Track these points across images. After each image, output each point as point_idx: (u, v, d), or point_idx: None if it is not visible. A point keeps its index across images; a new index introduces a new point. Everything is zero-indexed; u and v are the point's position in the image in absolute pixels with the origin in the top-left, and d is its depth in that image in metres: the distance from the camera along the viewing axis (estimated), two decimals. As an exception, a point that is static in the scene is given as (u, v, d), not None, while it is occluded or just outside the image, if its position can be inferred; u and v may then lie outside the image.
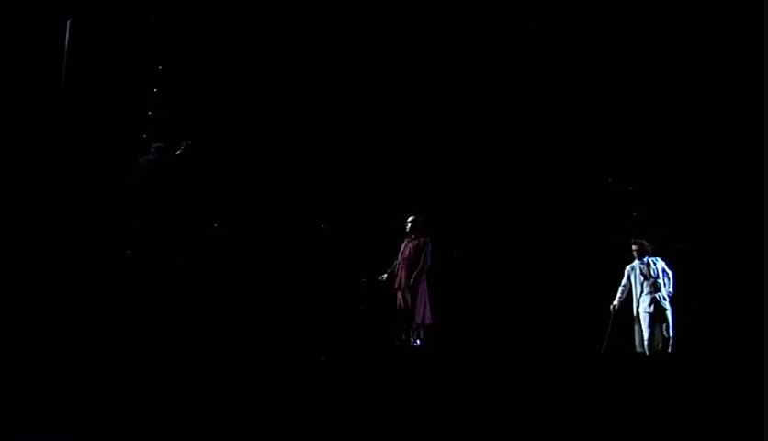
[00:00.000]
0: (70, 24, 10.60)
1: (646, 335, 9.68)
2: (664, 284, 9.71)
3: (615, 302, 9.89)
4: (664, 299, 9.66)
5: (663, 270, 9.75)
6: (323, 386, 7.88)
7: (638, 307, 9.76)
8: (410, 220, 10.44)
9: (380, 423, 7.24)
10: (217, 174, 11.42)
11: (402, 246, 10.44)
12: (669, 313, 9.64)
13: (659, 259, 9.83)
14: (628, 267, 9.89)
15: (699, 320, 10.46)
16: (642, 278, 9.72)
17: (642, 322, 9.71)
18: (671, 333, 9.59)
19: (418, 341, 10.30)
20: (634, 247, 9.86)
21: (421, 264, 10.29)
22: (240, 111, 11.85)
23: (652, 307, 9.62)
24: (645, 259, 9.77)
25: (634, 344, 9.89)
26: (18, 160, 10.56)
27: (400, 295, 10.35)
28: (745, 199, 11.01)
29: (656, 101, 11.90)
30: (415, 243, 10.36)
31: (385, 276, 10.46)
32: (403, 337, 10.33)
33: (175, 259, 10.85)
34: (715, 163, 11.65)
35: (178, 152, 10.86)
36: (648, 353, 9.64)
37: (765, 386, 7.32)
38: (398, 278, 10.36)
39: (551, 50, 12.08)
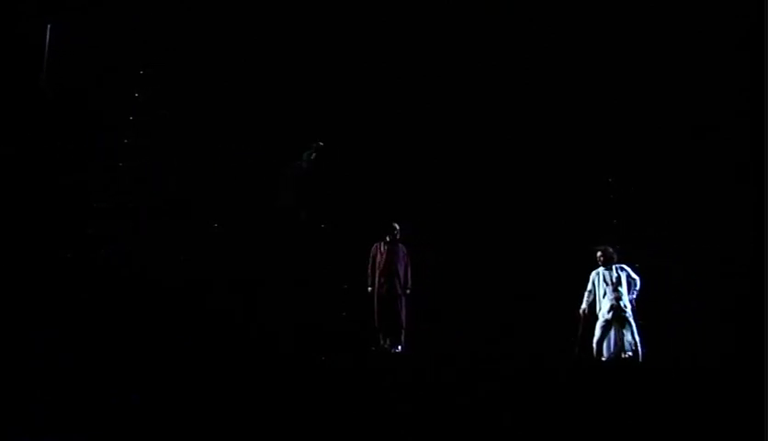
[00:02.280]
0: (50, 27, 10.56)
1: (595, 338, 9.87)
2: (629, 290, 9.87)
3: (584, 306, 10.04)
4: (625, 305, 9.82)
5: (628, 277, 9.92)
6: (323, 386, 7.88)
7: (598, 311, 9.96)
8: (397, 227, 10.50)
9: (381, 422, 7.22)
10: (215, 174, 11.39)
11: (377, 253, 10.46)
12: (631, 319, 9.80)
13: (625, 266, 10.02)
14: (593, 273, 10.06)
15: (699, 320, 10.50)
16: (605, 285, 9.92)
17: (597, 325, 9.92)
18: (636, 339, 9.74)
19: (399, 347, 10.38)
20: (598, 253, 10.06)
21: (410, 272, 10.43)
22: (238, 112, 11.76)
23: (611, 313, 9.82)
24: (609, 266, 9.97)
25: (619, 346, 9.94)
26: (17, 160, 10.54)
27: (385, 302, 10.37)
28: (745, 199, 10.97)
29: (654, 102, 11.77)
30: (395, 249, 10.45)
31: (369, 289, 10.49)
32: (382, 343, 10.39)
33: (181, 259, 10.85)
34: (715, 163, 11.54)
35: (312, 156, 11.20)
36: (594, 355, 9.83)
37: (765, 386, 7.34)
38: (384, 286, 10.36)
39: (545, 52, 11.96)
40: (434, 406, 7.43)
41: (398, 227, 10.52)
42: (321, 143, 11.33)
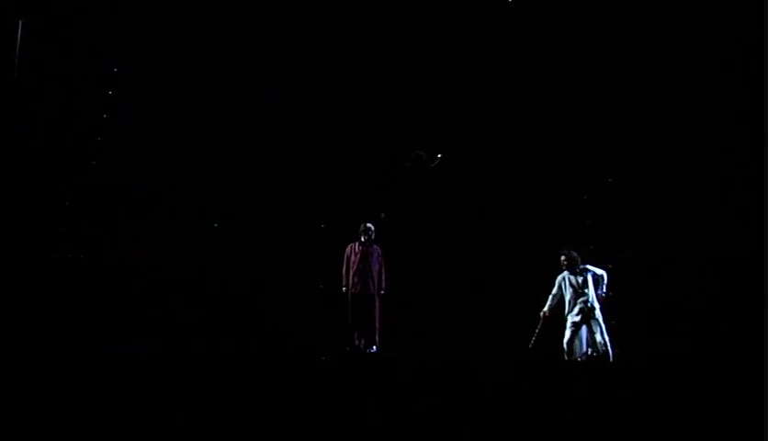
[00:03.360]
0: (22, 24, 10.55)
1: (565, 339, 10.07)
2: (597, 287, 10.04)
3: (546, 309, 10.22)
4: (593, 307, 10.02)
5: (593, 275, 10.10)
6: (299, 386, 7.64)
7: (567, 314, 10.14)
8: (371, 228, 10.61)
9: (355, 422, 7.01)
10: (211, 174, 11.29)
11: (352, 253, 10.55)
12: (600, 319, 10.00)
13: (589, 267, 10.17)
14: (559, 277, 10.23)
15: (699, 320, 10.52)
16: (571, 289, 10.13)
17: (567, 328, 10.12)
18: (606, 339, 9.95)
19: (374, 347, 10.49)
20: (562, 257, 10.20)
21: (384, 273, 10.55)
22: (215, 109, 11.60)
23: (579, 316, 10.05)
24: (574, 269, 10.14)
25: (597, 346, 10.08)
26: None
27: (359, 303, 10.47)
28: (744, 199, 10.85)
29: (649, 102, 11.61)
30: (370, 250, 10.57)
31: (344, 289, 10.58)
32: (357, 343, 10.49)
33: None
34: (714, 163, 11.32)
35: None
36: (566, 356, 10.04)
37: (765, 386, 7.15)
38: (358, 286, 10.47)
39: (520, 55, 11.81)
40: (407, 407, 7.24)
41: (372, 228, 10.62)
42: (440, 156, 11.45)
